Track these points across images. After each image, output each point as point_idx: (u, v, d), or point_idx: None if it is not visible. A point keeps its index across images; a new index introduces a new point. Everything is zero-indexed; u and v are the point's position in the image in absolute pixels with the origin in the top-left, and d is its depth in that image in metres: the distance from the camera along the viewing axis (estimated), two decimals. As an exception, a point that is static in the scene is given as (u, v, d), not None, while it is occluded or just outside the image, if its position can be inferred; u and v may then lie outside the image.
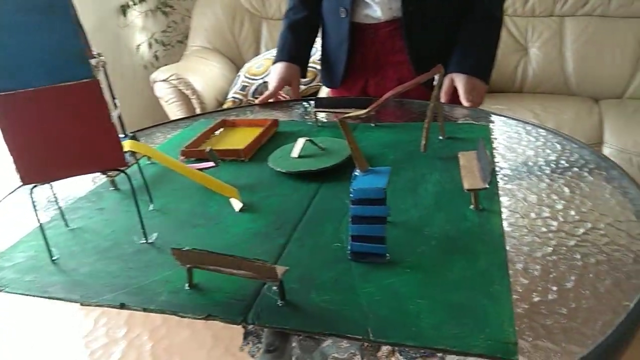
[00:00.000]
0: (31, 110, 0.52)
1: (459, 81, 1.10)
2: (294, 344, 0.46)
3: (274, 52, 2.38)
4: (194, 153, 0.87)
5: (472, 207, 0.64)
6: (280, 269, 0.49)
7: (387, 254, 0.56)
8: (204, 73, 2.38)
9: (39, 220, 0.60)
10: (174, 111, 2.30)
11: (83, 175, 0.59)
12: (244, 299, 0.52)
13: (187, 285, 0.54)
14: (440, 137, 0.88)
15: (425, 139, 0.79)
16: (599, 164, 0.76)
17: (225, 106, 2.30)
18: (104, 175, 0.80)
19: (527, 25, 2.31)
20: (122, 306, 0.53)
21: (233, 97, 2.28)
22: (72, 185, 0.84)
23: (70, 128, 0.54)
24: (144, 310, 0.52)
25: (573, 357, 0.42)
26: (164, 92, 2.29)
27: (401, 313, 0.48)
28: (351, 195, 0.57)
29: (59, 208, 0.69)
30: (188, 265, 0.53)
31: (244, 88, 2.27)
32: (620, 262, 0.54)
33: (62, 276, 0.58)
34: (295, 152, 0.81)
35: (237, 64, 2.68)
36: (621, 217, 0.62)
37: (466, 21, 1.12)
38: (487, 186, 0.61)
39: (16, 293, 0.57)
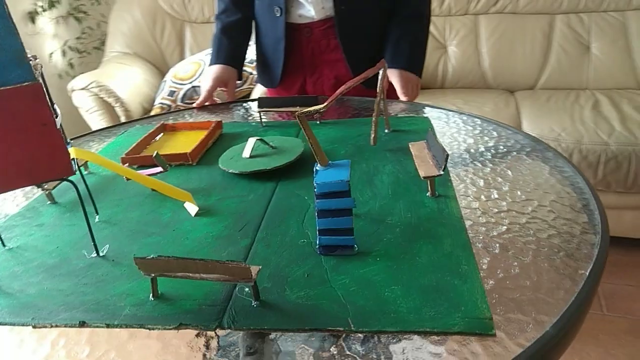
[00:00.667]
0: (-38, 118, 0.47)
1: (394, 76, 1.13)
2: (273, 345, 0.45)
3: (200, 55, 2.34)
4: (136, 159, 0.83)
5: (428, 194, 0.66)
6: (254, 268, 0.48)
7: (355, 246, 0.56)
8: (126, 79, 2.28)
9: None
10: (97, 121, 2.18)
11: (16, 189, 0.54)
12: (215, 303, 0.50)
13: (151, 296, 0.52)
14: (387, 130, 0.90)
15: (375, 132, 0.80)
16: (534, 147, 0.81)
17: (153, 112, 2.22)
18: (39, 189, 0.74)
19: (444, 24, 2.42)
20: (83, 324, 0.49)
21: (161, 103, 2.20)
22: (1, 201, 0.77)
23: (11, 136, 0.49)
24: (107, 326, 0.48)
25: (544, 326, 0.44)
26: (83, 101, 2.16)
27: (378, 301, 0.48)
28: (315, 189, 0.57)
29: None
30: (152, 275, 0.50)
31: (172, 93, 2.20)
32: (569, 234, 0.58)
33: (7, 299, 0.53)
34: (246, 152, 0.79)
35: (160, 69, 2.59)
36: (562, 194, 0.66)
37: (396, 18, 1.15)
38: (442, 173, 0.63)
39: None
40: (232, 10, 1.24)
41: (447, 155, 0.63)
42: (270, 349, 0.44)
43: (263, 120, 1.02)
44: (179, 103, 2.19)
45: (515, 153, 0.79)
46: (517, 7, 2.32)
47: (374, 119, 0.81)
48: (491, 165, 0.76)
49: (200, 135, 0.91)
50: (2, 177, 0.51)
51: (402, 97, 1.12)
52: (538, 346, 0.42)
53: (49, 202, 0.74)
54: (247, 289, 0.51)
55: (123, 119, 2.18)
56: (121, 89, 2.19)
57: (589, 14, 2.25)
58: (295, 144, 0.82)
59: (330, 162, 0.62)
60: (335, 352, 0.43)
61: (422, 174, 0.65)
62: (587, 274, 0.51)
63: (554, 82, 2.26)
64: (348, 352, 0.43)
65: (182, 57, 2.60)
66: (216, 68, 1.21)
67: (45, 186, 0.73)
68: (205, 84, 1.20)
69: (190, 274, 0.49)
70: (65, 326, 0.49)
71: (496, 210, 0.63)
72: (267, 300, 0.50)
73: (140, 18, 2.60)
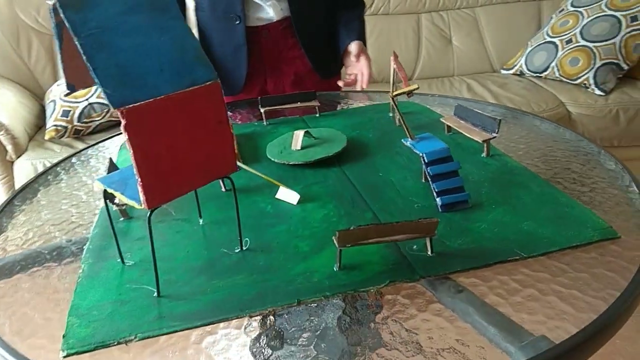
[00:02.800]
0: (159, 121, 0.47)
1: (354, 45, 1.23)
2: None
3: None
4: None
5: (483, 154, 0.79)
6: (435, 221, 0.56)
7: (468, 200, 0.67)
8: (1, 105, 2.02)
9: (153, 251, 0.52)
10: (-23, 153, 1.90)
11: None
12: (398, 262, 0.57)
13: (337, 267, 0.56)
14: (390, 114, 1.01)
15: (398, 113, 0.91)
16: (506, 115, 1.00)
17: (47, 137, 2.00)
18: (116, 207, 0.70)
19: (326, 26, 2.61)
20: (299, 302, 0.52)
21: (55, 126, 2.00)
22: (53, 227, 0.71)
23: (194, 136, 0.50)
24: (325, 297, 0.52)
25: (641, 226, 0.61)
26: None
27: (521, 234, 0.60)
28: (425, 158, 0.67)
29: (117, 244, 0.60)
30: (348, 245, 0.55)
31: (66, 113, 2.01)
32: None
33: (192, 302, 0.53)
34: (297, 145, 0.84)
35: (33, 91, 2.33)
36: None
37: (341, 6, 1.27)
38: (497, 134, 0.77)
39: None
40: None
41: (500, 120, 0.77)
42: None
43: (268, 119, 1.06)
44: (76, 123, 2.01)
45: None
46: (389, 8, 2.61)
47: (393, 102, 0.92)
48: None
49: None
50: (185, 177, 0.51)
51: (364, 61, 1.21)
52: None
53: (123, 218, 0.70)
54: (415, 246, 0.59)
55: (10, 148, 1.94)
56: (2, 115, 1.94)
57: (447, 11, 2.63)
58: (332, 133, 0.89)
59: (416, 136, 0.72)
60: (519, 277, 0.54)
61: (479, 138, 0.78)
62: None
63: (427, 72, 2.60)
64: (524, 274, 0.54)
65: (56, 76, 2.37)
66: None
67: (116, 201, 0.70)
68: None
69: (382, 238, 0.55)
70: (280, 307, 0.51)
71: (537, 158, 0.79)
72: (437, 251, 0.58)
73: (1, 35, 2.30)
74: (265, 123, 1.03)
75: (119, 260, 0.61)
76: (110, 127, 2.11)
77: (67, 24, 0.42)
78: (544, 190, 0.69)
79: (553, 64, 2.32)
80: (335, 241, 0.55)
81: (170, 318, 0.51)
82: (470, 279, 0.54)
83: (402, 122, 0.71)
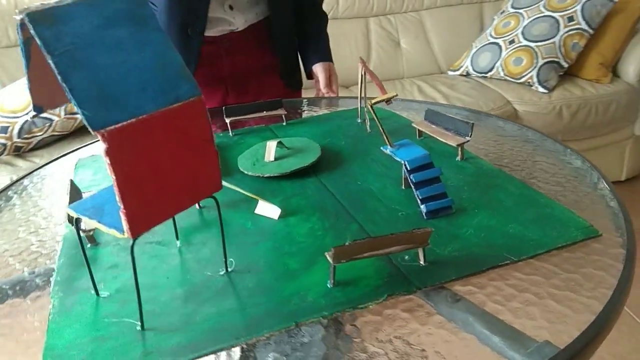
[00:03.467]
0: (142, 142, 0.43)
1: (323, 69, 1.24)
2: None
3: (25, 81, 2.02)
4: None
5: (458, 158, 0.80)
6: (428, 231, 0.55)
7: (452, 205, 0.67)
8: None
9: (137, 282, 0.48)
10: None
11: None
12: (392, 275, 0.55)
13: (330, 284, 0.54)
14: (359, 120, 1.00)
15: (367, 120, 0.91)
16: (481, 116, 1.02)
17: (-16, 156, 1.86)
18: (82, 233, 0.65)
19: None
20: (297, 325, 0.49)
21: (-8, 143, 1.86)
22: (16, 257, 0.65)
23: (179, 156, 0.47)
24: (323, 317, 0.50)
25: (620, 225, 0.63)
26: None
27: (508, 237, 0.60)
28: (407, 166, 0.66)
29: (91, 274, 0.55)
30: (343, 261, 0.53)
31: (4, 130, 1.88)
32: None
33: (186, 334, 0.49)
34: (270, 156, 0.81)
35: (-36, 106, 2.16)
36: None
37: (306, 18, 1.25)
38: (470, 138, 0.78)
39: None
40: None
41: (473, 123, 0.78)
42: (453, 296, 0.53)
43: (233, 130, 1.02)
44: (15, 140, 1.88)
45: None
46: (338, 13, 2.61)
47: (366, 108, 0.91)
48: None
49: None
50: (170, 200, 0.47)
51: (332, 88, 1.23)
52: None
53: (90, 244, 0.65)
54: (406, 257, 0.58)
55: (-58, 169, 1.79)
56: None
57: (395, 15, 2.67)
58: (305, 142, 0.87)
59: (395, 143, 0.71)
60: (513, 282, 0.55)
61: (453, 143, 0.78)
62: None
63: (378, 75, 2.62)
64: (517, 278, 0.55)
65: (-11, 89, 2.22)
66: None
67: (82, 226, 0.65)
68: None
69: (377, 252, 0.54)
70: (278, 332, 0.49)
71: (507, 160, 0.81)
72: (429, 260, 0.57)
73: None
74: (230, 134, 1.00)
75: (93, 291, 0.56)
76: (53, 142, 1.99)
77: (38, 41, 0.38)
78: (522, 192, 0.70)
79: (498, 64, 2.40)
80: (329, 258, 0.53)
81: (158, 353, 0.48)
82: (466, 287, 0.54)
83: (380, 130, 0.70)
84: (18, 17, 0.38)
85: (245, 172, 0.80)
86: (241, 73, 1.24)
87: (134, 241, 0.46)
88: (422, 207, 0.66)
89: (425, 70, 2.64)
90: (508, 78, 2.37)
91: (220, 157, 0.87)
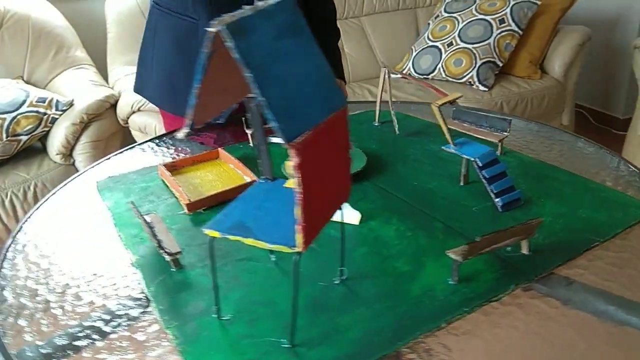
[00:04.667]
0: (317, 153, 0.42)
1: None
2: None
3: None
4: (205, 201, 0.74)
5: (497, 153, 0.84)
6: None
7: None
8: None
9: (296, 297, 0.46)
10: None
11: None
12: (502, 268, 0.58)
13: (452, 281, 0.56)
14: (376, 123, 1.03)
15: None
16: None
17: None
18: (168, 257, 0.60)
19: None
20: (448, 323, 0.50)
21: None
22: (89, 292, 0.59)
23: (333, 165, 0.46)
24: (467, 312, 0.52)
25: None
26: None
27: (581, 222, 0.66)
28: (479, 162, 0.70)
29: (216, 298, 0.52)
30: (465, 259, 0.55)
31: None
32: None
33: (334, 345, 0.48)
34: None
35: None
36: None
37: (320, 32, 1.25)
38: (508, 133, 0.83)
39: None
40: None
41: (510, 120, 0.83)
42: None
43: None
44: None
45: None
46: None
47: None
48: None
49: (217, 166, 0.87)
50: (326, 210, 0.46)
51: None
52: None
53: (175, 268, 0.61)
54: (508, 248, 0.61)
55: None
56: None
57: (337, 21, 2.72)
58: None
59: (455, 141, 0.75)
60: (610, 260, 0.60)
61: (494, 139, 0.83)
62: None
63: (325, 80, 2.66)
64: (610, 257, 0.60)
65: None
66: None
67: (168, 250, 0.61)
68: None
69: (496, 245, 0.56)
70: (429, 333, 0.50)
71: (534, 153, 0.87)
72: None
73: None
74: (251, 144, 0.98)
75: (211, 316, 0.53)
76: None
77: (235, 54, 0.36)
78: (571, 179, 0.76)
79: (439, 65, 2.53)
80: (455, 255, 0.54)
81: (320, 368, 0.47)
82: (572, 269, 0.58)
83: (444, 130, 0.73)
84: (213, 29, 0.36)
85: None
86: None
87: (301, 255, 0.45)
88: (498, 200, 0.69)
89: (370, 73, 2.71)
90: (450, 78, 2.51)
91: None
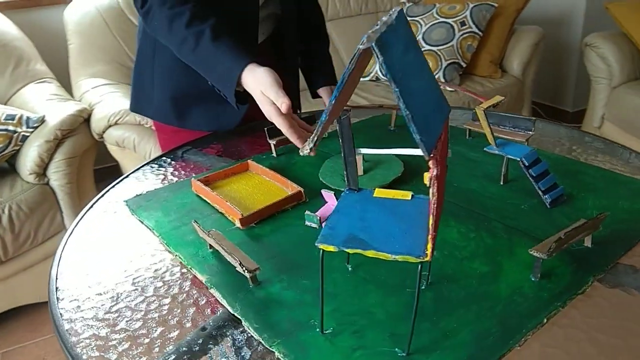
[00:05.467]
0: (443, 162, 0.43)
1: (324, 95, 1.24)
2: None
3: None
4: (257, 215, 0.73)
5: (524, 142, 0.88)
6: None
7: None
8: None
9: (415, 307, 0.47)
10: None
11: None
12: (574, 261, 0.61)
13: (534, 278, 0.58)
14: (391, 127, 1.05)
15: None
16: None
17: None
18: (247, 273, 0.59)
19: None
20: (547, 319, 0.52)
21: None
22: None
23: (442, 175, 0.47)
24: (562, 307, 0.54)
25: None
26: None
27: (625, 212, 0.70)
28: (525, 162, 0.73)
29: (322, 313, 0.51)
30: (550, 256, 0.57)
31: None
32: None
33: (448, 351, 0.49)
34: (360, 170, 0.82)
35: None
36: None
37: (312, 38, 1.25)
38: (533, 133, 0.87)
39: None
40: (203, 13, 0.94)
41: (535, 119, 0.87)
42: None
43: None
44: None
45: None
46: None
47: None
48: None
49: (250, 178, 0.86)
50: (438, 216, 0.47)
51: None
52: None
53: (253, 284, 0.60)
54: (574, 243, 0.64)
55: None
56: None
57: (302, 26, 2.73)
58: (376, 157, 0.88)
59: (497, 142, 0.78)
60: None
61: (521, 138, 0.87)
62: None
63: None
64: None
65: None
66: (263, 71, 0.86)
67: (247, 267, 0.60)
68: (278, 91, 0.84)
69: (572, 240, 0.59)
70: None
71: (550, 150, 0.92)
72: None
73: None
74: (274, 154, 0.97)
75: (314, 330, 0.53)
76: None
77: (385, 69, 0.36)
78: (601, 174, 0.81)
79: (406, 67, 2.60)
80: (538, 254, 0.57)
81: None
82: (633, 257, 0.62)
83: (488, 131, 0.75)
84: (363, 47, 0.36)
85: (332, 187, 0.79)
86: None
87: (430, 264, 0.45)
88: (546, 197, 0.73)
89: (338, 77, 2.74)
90: (418, 80, 2.58)
91: (293, 177, 0.84)
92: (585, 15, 2.96)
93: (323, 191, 0.71)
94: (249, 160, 0.90)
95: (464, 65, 2.56)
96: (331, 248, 0.47)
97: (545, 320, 0.53)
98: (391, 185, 0.80)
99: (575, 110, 3.26)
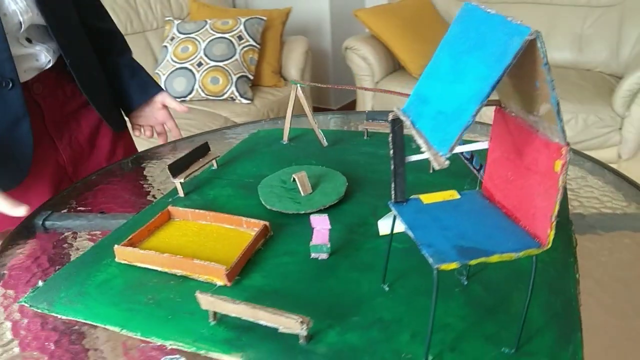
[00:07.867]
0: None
1: (168, 98, 1.11)
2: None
3: None
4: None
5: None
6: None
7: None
8: None
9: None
10: None
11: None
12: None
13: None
14: (285, 141, 1.01)
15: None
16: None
17: None
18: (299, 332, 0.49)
19: None
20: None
21: None
22: None
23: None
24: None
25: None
26: None
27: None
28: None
29: (429, 343, 0.46)
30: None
31: None
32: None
33: None
34: (307, 189, 0.76)
35: None
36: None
37: (113, 52, 1.09)
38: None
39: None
40: None
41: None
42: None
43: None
44: None
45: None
46: None
47: (316, 124, 0.95)
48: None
49: (181, 227, 0.72)
50: (523, 208, 0.48)
51: (184, 109, 1.11)
52: None
53: (306, 342, 0.50)
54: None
55: None
56: None
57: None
58: (306, 168, 0.84)
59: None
60: None
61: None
62: None
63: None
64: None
65: None
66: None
67: (303, 320, 0.49)
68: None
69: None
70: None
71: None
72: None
73: None
74: (181, 194, 0.83)
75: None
76: None
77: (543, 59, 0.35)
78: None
79: (196, 86, 2.51)
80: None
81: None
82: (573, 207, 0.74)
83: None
84: (529, 37, 0.34)
85: (290, 212, 0.72)
86: (63, 120, 0.99)
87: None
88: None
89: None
90: (211, 97, 2.52)
91: (230, 213, 0.73)
92: (331, 22, 3.34)
93: (312, 217, 0.64)
94: (169, 207, 0.74)
95: (252, 77, 2.61)
96: (453, 265, 0.43)
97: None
98: (345, 199, 0.77)
99: (339, 107, 3.67)
